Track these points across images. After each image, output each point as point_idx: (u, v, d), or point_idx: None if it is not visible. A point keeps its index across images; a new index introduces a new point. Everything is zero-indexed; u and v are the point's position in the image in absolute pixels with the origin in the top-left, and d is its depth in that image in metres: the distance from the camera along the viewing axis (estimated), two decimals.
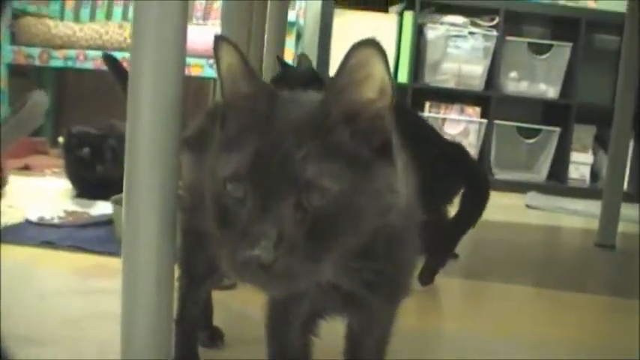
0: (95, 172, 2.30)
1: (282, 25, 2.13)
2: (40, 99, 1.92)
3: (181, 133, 0.87)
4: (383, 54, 0.58)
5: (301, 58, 1.92)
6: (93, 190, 2.27)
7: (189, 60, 2.26)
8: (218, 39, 0.63)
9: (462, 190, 1.56)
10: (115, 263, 1.55)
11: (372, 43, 0.58)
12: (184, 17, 0.84)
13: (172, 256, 0.88)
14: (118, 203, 1.80)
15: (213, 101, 1.06)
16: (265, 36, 2.00)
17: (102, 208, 2.06)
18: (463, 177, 1.58)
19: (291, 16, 3.15)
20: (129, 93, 0.84)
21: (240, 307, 1.33)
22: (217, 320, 1.16)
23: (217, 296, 1.18)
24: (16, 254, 1.60)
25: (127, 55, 2.80)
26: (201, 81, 3.56)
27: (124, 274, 0.86)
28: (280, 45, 2.13)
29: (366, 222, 0.61)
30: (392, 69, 3.72)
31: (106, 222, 1.89)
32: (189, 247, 0.97)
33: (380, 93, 0.60)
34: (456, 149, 1.62)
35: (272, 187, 0.58)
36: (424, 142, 1.38)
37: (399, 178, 0.63)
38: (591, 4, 3.86)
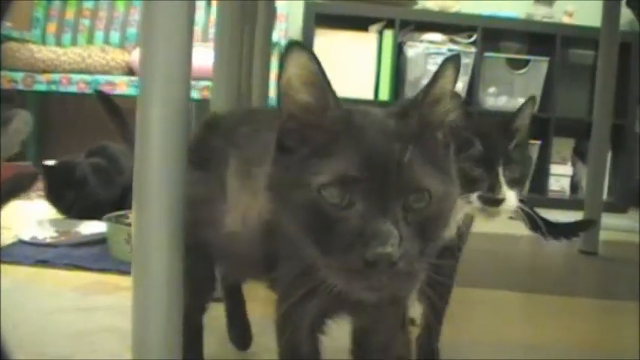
0: (83, 198, 2.28)
1: (268, 48, 2.16)
2: (25, 119, 1.94)
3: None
4: (459, 70, 0.65)
5: None
6: (81, 212, 2.26)
7: None
8: (291, 44, 0.63)
9: None
10: (111, 280, 1.59)
11: (456, 59, 0.64)
12: (190, 41, 0.88)
13: (181, 270, 0.90)
14: (111, 221, 1.83)
15: (211, 113, 1.08)
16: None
17: (92, 227, 2.08)
18: None
19: (273, 36, 3.18)
20: (137, 111, 0.87)
21: None
22: (218, 330, 1.19)
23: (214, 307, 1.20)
24: (13, 273, 1.61)
25: (109, 78, 2.82)
26: None
27: (135, 287, 0.89)
28: (266, 67, 2.17)
29: (447, 224, 0.65)
30: (373, 87, 3.78)
31: (100, 240, 1.91)
32: (191, 259, 0.96)
33: (454, 104, 0.67)
34: None
35: (387, 189, 0.59)
36: None
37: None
38: (566, 20, 3.94)
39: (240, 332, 1.20)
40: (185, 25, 0.86)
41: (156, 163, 0.86)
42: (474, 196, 1.00)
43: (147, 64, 0.86)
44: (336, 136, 0.63)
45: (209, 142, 0.96)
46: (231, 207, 0.85)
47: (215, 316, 1.12)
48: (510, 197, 1.00)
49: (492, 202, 1.00)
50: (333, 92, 0.64)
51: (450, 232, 1.06)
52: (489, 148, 1.00)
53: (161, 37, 0.85)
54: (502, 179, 0.99)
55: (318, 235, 0.61)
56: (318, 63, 0.63)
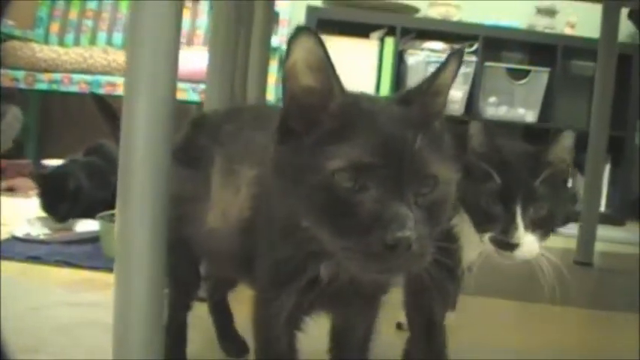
0: (77, 206, 2.27)
1: (266, 51, 2.16)
2: (15, 115, 1.94)
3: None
4: (461, 64, 0.67)
5: None
6: (76, 216, 2.25)
7: None
8: (300, 29, 0.63)
9: None
10: (102, 278, 1.59)
11: (460, 54, 0.66)
12: (177, 41, 0.88)
13: (164, 268, 0.90)
14: (104, 220, 1.83)
15: (199, 112, 1.08)
16: (250, 61, 2.03)
17: (86, 225, 2.09)
18: None
19: (275, 41, 3.19)
20: (123, 110, 0.87)
21: None
22: (202, 329, 1.19)
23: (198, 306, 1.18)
24: (4, 269, 1.61)
25: (110, 79, 2.81)
26: (184, 105, 3.55)
27: (117, 284, 0.89)
28: (264, 70, 2.16)
29: (450, 209, 0.67)
30: (373, 94, 3.77)
31: (93, 239, 1.91)
32: (175, 257, 0.97)
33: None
34: None
35: (401, 176, 0.61)
36: None
37: None
38: (568, 31, 3.93)
39: (230, 343, 1.19)
40: (171, 25, 0.86)
41: (140, 161, 0.86)
42: (485, 237, 0.91)
43: (133, 63, 0.86)
44: (346, 121, 0.63)
45: (196, 140, 0.97)
46: (214, 204, 0.85)
47: (199, 314, 1.12)
48: (529, 242, 0.90)
49: (505, 246, 0.90)
50: (337, 78, 0.65)
51: (469, 258, 1.01)
52: (509, 181, 0.89)
53: (148, 36, 0.85)
54: (519, 220, 0.88)
55: (332, 217, 0.62)
56: (325, 49, 0.64)
